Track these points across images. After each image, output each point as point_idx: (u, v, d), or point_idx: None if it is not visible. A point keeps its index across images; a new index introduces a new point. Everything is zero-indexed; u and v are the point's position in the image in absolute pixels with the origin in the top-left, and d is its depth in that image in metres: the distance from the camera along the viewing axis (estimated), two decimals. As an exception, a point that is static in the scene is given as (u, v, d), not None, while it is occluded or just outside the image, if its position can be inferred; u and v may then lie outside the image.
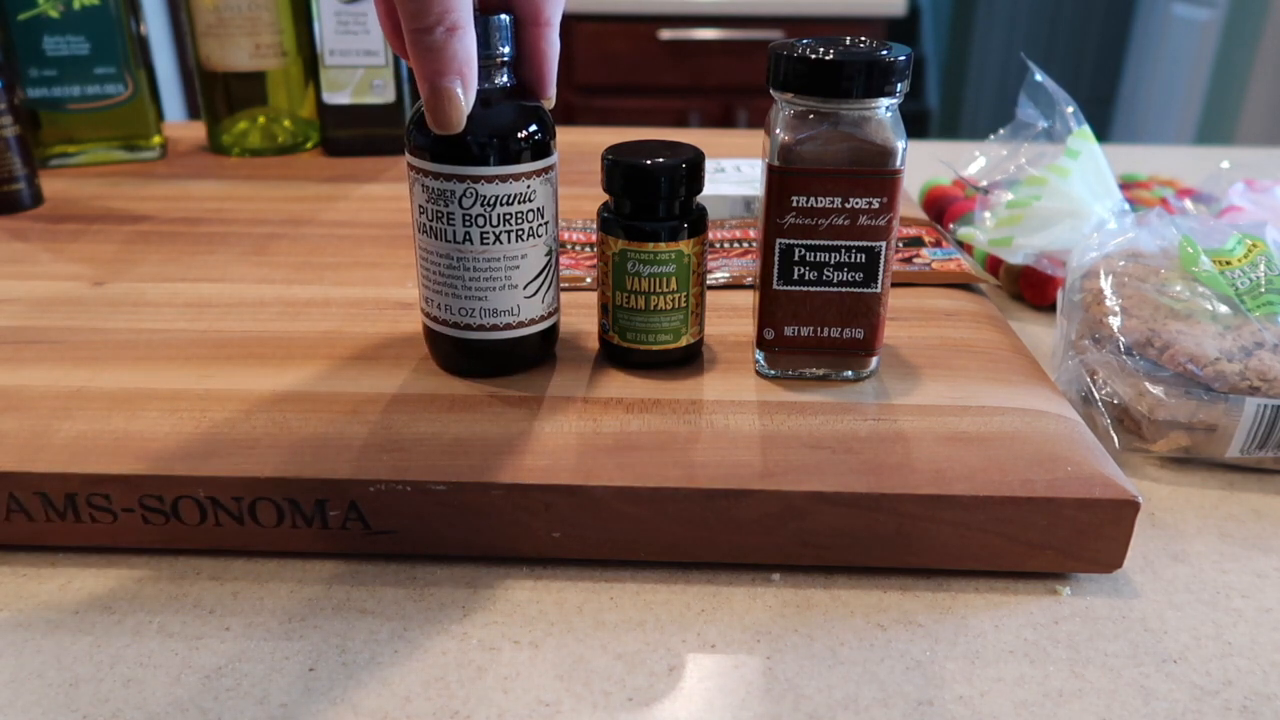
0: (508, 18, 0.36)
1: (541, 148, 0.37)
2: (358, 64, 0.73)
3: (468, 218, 0.37)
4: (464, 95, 0.34)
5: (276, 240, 0.58)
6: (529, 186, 0.37)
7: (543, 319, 0.40)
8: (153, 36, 0.77)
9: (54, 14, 0.69)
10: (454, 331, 0.39)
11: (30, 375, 0.41)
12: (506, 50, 0.36)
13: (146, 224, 0.61)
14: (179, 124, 0.89)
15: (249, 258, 0.55)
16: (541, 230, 0.38)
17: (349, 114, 0.75)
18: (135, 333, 0.45)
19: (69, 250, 0.56)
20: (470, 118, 0.35)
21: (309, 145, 0.80)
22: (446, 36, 0.33)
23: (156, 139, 0.76)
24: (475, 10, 0.34)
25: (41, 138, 0.72)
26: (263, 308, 0.48)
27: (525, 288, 0.39)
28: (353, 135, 0.77)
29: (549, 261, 0.39)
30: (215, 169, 0.74)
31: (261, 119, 0.78)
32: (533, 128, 0.37)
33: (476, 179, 0.36)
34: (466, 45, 0.33)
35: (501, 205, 0.37)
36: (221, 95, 0.76)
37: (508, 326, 0.39)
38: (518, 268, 0.38)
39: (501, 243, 0.37)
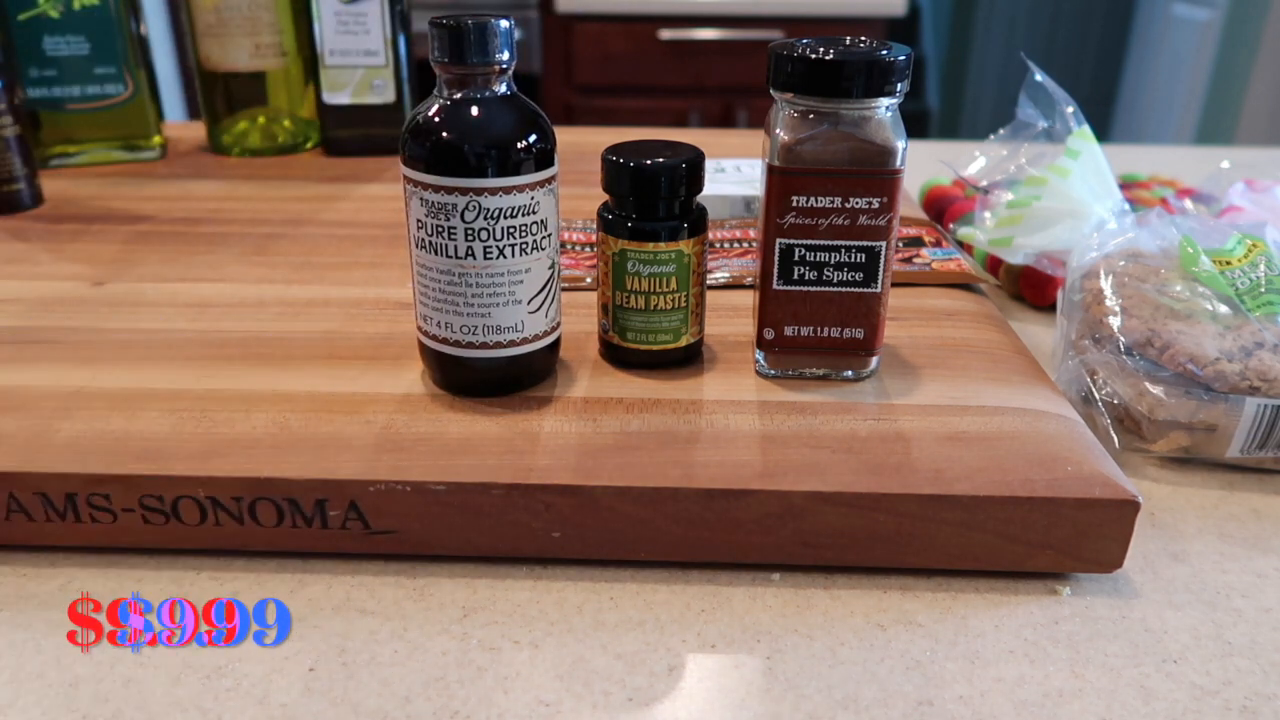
0: (507, 23, 0.35)
1: (545, 157, 0.36)
2: (358, 64, 0.73)
3: (470, 231, 0.36)
4: None
5: (276, 240, 0.58)
6: (533, 198, 0.36)
7: (546, 334, 0.39)
8: (153, 36, 0.77)
9: (54, 14, 0.69)
10: (455, 350, 0.38)
11: (30, 375, 0.41)
12: (505, 56, 0.35)
13: (146, 224, 0.61)
14: (179, 124, 0.89)
15: (249, 258, 0.55)
16: (545, 243, 0.37)
17: (349, 114, 0.75)
18: (135, 333, 0.45)
19: (69, 250, 0.56)
20: (472, 127, 0.34)
21: (309, 145, 0.80)
22: None
23: (156, 139, 0.76)
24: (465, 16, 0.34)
25: (41, 138, 0.72)
26: (263, 308, 0.48)
27: (529, 303, 0.38)
28: (353, 135, 0.76)
29: (552, 275, 0.38)
30: (215, 169, 0.74)
31: (261, 119, 0.78)
32: (535, 137, 0.36)
33: (480, 191, 0.35)
34: None
35: (505, 218, 0.36)
36: (221, 95, 0.76)
37: (511, 344, 0.38)
38: (521, 282, 0.37)
39: (505, 257, 0.36)
